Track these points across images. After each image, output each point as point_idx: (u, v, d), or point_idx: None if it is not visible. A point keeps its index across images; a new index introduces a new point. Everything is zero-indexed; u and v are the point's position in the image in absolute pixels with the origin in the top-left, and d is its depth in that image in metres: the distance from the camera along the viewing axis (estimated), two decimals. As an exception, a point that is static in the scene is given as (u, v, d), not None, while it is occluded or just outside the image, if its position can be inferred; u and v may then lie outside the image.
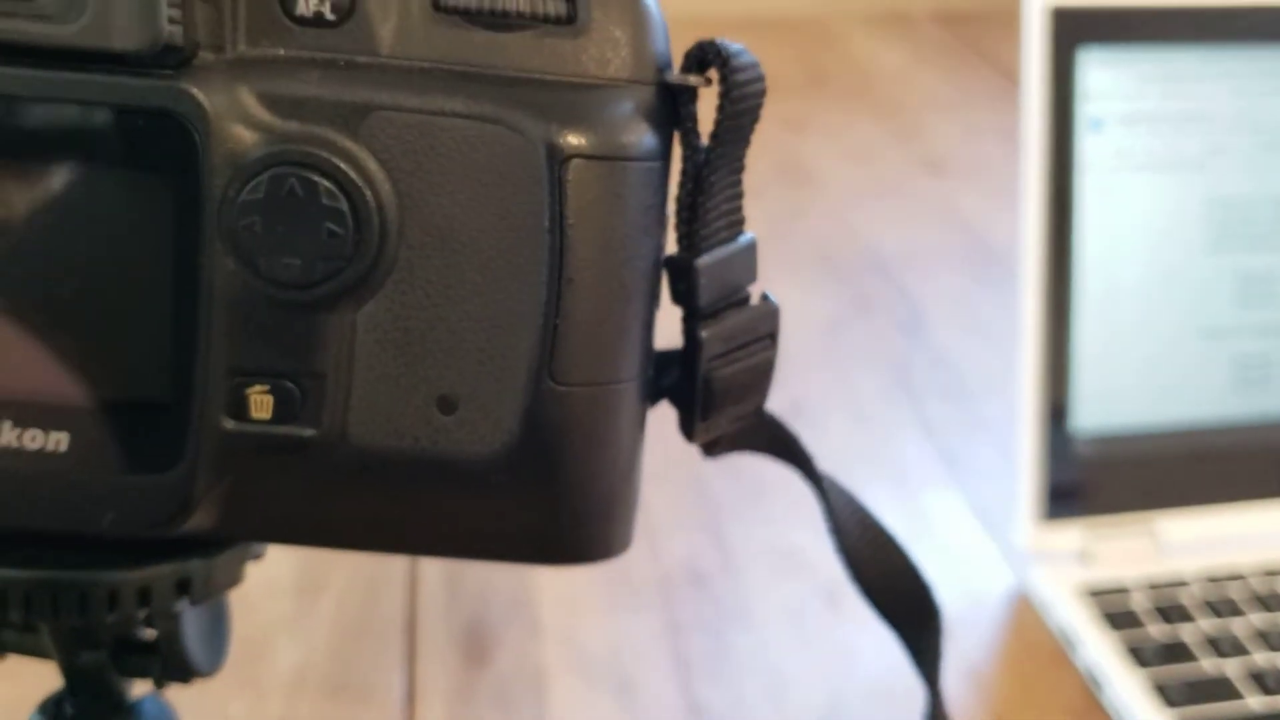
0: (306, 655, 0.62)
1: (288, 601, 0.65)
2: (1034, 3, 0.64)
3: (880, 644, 0.64)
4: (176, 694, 0.59)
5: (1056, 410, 0.67)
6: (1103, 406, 0.68)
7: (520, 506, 0.29)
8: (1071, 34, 0.65)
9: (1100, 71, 0.65)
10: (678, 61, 0.29)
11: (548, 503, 0.29)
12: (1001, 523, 0.72)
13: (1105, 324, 0.68)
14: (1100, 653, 0.62)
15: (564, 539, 0.30)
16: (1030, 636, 0.65)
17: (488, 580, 0.67)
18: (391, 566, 0.67)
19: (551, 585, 0.66)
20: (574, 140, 0.27)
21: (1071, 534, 0.67)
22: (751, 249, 0.31)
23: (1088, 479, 0.68)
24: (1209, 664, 0.61)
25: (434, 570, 0.67)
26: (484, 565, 0.68)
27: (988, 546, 0.71)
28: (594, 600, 0.66)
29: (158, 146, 0.26)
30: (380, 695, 0.60)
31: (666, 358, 0.30)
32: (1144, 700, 0.59)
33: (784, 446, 0.34)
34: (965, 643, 0.65)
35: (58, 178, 0.27)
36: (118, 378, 0.27)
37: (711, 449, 0.32)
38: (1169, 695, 0.59)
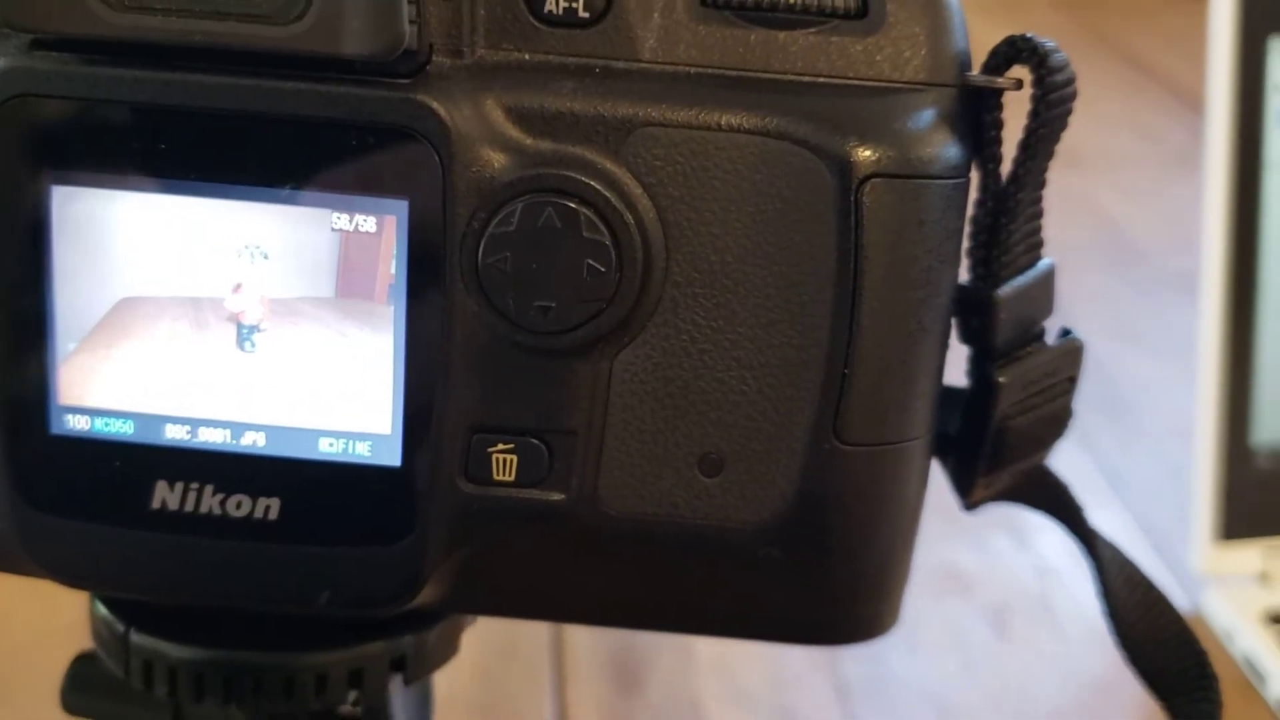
0: (453, 676, 0.59)
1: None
2: (1221, -11, 0.60)
3: (1055, 672, 0.61)
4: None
5: (1236, 422, 0.63)
6: (1287, 418, 0.64)
7: (788, 581, 0.25)
8: (1263, 21, 0.60)
9: (1292, 61, 0.61)
10: (977, 60, 0.26)
11: (819, 578, 0.25)
12: (1171, 541, 0.68)
13: (1291, 331, 0.63)
14: (1293, 687, 0.58)
15: (831, 617, 0.26)
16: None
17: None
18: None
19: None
20: (871, 156, 0.23)
21: (1251, 555, 0.64)
22: (1050, 277, 0.27)
23: (1269, 496, 0.64)
24: None
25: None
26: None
27: (1156, 567, 0.68)
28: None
29: (389, 169, 0.23)
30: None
31: (943, 400, 0.26)
32: (1346, 739, 0.55)
33: (1052, 497, 0.31)
34: (1140, 670, 0.62)
35: (273, 205, 0.24)
36: (341, 435, 0.24)
37: (975, 503, 0.29)
38: (1372, 733, 0.55)
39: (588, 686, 0.59)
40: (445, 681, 0.59)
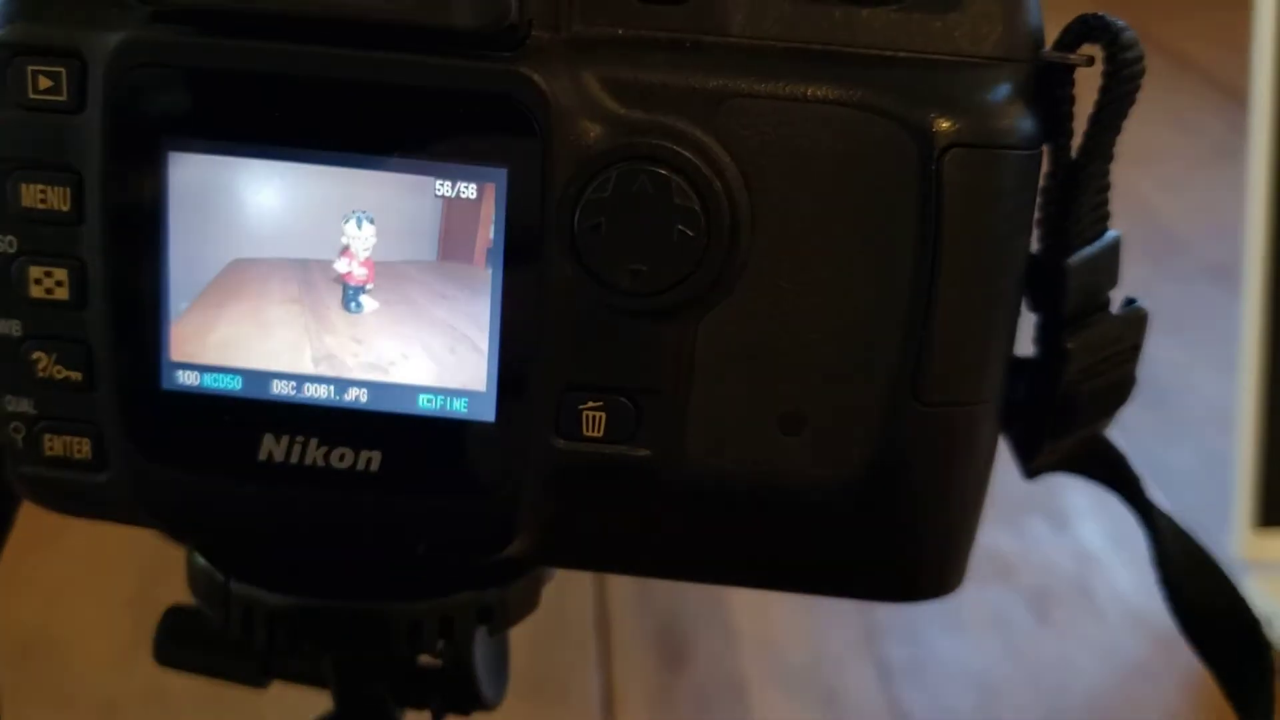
0: (500, 654, 0.60)
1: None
2: (1267, -24, 0.60)
3: (1096, 656, 0.62)
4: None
5: (1276, 411, 0.64)
6: (1328, 407, 0.64)
7: (863, 538, 0.26)
8: (1309, 12, 0.61)
9: (1336, 51, 0.62)
10: (1049, 36, 0.26)
11: (894, 535, 0.26)
12: (1210, 528, 0.68)
13: (1333, 319, 0.64)
14: (1332, 670, 0.58)
15: (902, 574, 0.27)
16: (1249, 650, 0.62)
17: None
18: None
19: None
20: (951, 126, 0.24)
21: (1292, 542, 0.64)
22: (1116, 248, 0.28)
23: (1309, 484, 0.65)
24: None
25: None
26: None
27: (1195, 553, 0.68)
28: (788, 602, 0.64)
29: (490, 137, 0.24)
30: (578, 697, 0.58)
31: (1011, 367, 0.27)
32: (1383, 723, 0.55)
33: (1112, 467, 0.31)
34: (1181, 656, 0.62)
35: (380, 172, 0.25)
36: (440, 391, 0.25)
37: (1036, 470, 0.30)
38: None
39: (634, 664, 0.60)
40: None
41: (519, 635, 0.67)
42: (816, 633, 0.62)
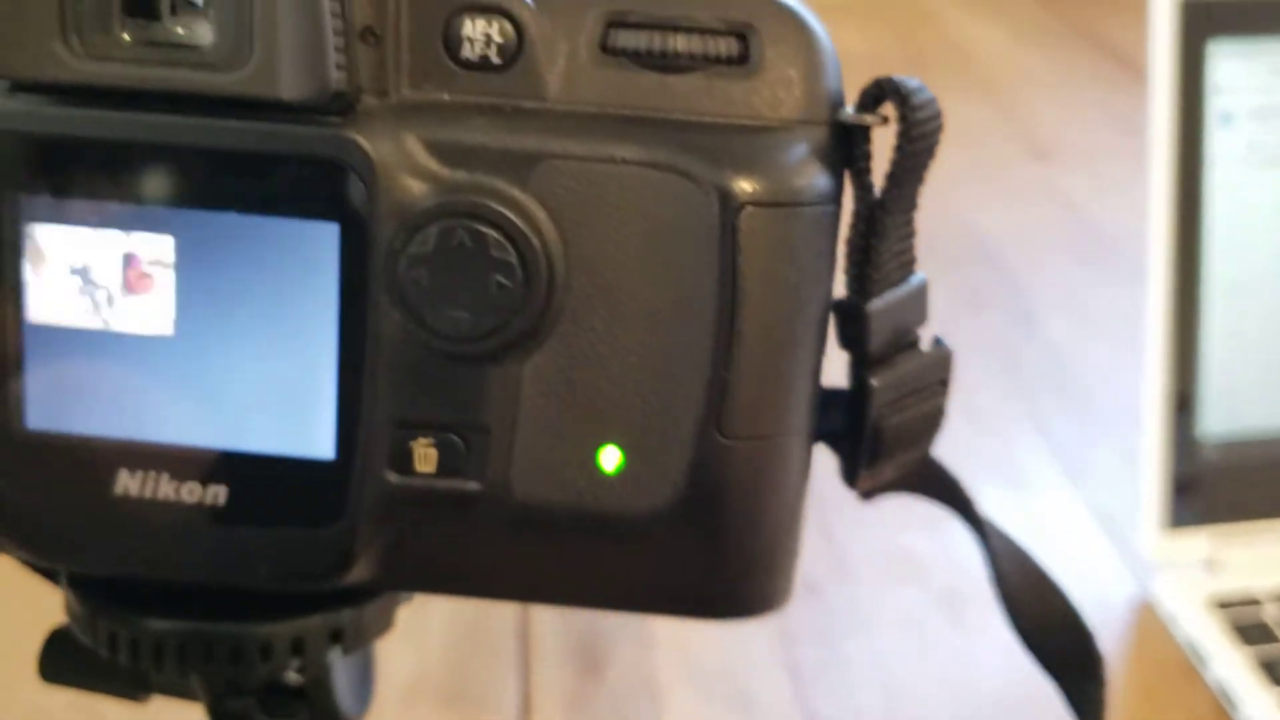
0: (420, 663, 0.62)
1: (400, 610, 0.64)
2: (1163, -5, 0.62)
3: (1004, 655, 0.63)
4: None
5: (1183, 412, 0.65)
6: (1231, 408, 0.66)
7: (682, 561, 0.28)
8: (1202, 26, 0.62)
9: (1231, 64, 0.63)
10: (850, 96, 0.28)
11: (711, 558, 0.28)
12: (1123, 528, 0.70)
13: (1234, 323, 0.65)
14: (1232, 668, 0.60)
15: (725, 593, 0.29)
16: (1156, 649, 0.63)
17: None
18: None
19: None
20: (747, 187, 0.26)
21: (1198, 541, 0.65)
22: (923, 291, 0.30)
23: (1215, 484, 0.66)
24: (1348, 681, 0.59)
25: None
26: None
27: (1108, 553, 0.70)
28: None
29: (322, 195, 0.26)
30: (495, 704, 0.59)
31: (829, 399, 0.29)
32: (1280, 719, 0.57)
33: (945, 489, 0.33)
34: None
35: (221, 227, 0.26)
36: (281, 430, 0.27)
37: (869, 493, 0.31)
38: (1307, 714, 0.57)
39: (552, 670, 0.61)
40: (412, 669, 0.61)
41: (440, 647, 0.68)
42: (731, 638, 0.63)
